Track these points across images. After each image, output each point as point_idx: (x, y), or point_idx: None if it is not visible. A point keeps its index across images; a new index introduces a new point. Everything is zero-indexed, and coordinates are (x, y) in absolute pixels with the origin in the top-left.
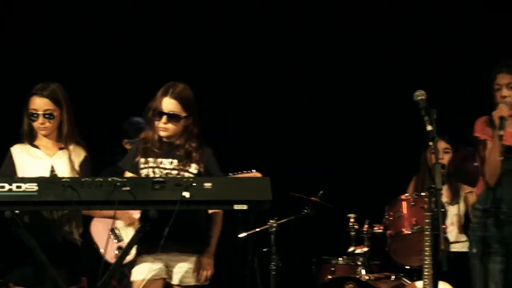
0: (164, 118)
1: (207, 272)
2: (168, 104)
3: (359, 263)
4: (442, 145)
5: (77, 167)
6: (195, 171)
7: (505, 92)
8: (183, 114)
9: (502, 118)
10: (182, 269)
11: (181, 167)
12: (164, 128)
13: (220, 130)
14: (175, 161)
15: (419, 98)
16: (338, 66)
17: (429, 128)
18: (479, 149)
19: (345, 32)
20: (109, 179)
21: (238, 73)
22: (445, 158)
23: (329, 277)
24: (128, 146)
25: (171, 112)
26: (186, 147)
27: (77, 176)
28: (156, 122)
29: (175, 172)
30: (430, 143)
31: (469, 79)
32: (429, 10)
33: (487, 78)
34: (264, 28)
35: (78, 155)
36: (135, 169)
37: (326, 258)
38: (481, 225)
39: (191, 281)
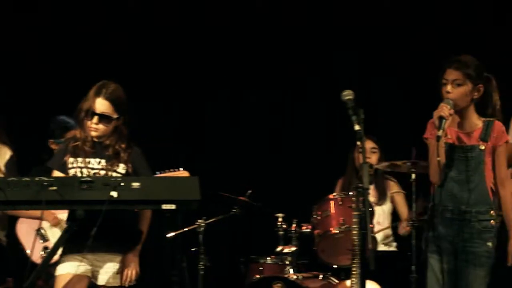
0: (96, 118)
1: (131, 272)
2: (101, 105)
3: (287, 262)
4: (369, 144)
5: (2, 166)
6: (123, 171)
7: (449, 87)
8: (115, 116)
9: (441, 118)
10: (108, 269)
11: (109, 167)
12: (95, 128)
13: (149, 129)
14: (103, 161)
15: (347, 98)
16: (253, 65)
17: (356, 127)
18: (429, 150)
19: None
20: (36, 179)
21: (168, 72)
22: (373, 158)
23: (257, 276)
24: (54, 146)
25: (103, 113)
26: (115, 148)
27: (2, 176)
28: (88, 122)
29: (103, 172)
30: (358, 143)
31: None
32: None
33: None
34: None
35: (4, 154)
36: (64, 168)
37: (254, 258)
38: (431, 223)
39: (117, 282)
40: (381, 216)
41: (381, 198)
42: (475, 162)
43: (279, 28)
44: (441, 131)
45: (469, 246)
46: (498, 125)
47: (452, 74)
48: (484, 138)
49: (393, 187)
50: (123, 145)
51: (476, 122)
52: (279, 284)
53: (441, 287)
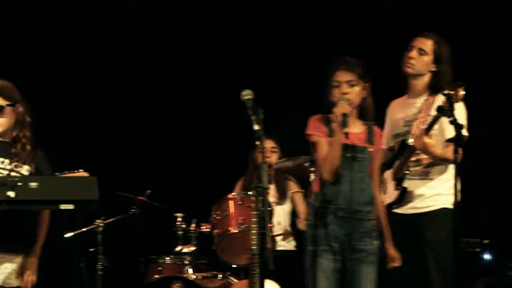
0: None
1: (32, 276)
2: None
3: (186, 262)
4: (269, 144)
5: None
6: (26, 173)
7: (346, 89)
8: (6, 103)
9: (344, 115)
10: (5, 270)
11: (13, 167)
12: None
13: (50, 128)
14: (7, 161)
15: (247, 97)
16: (152, 66)
17: (256, 127)
18: (315, 147)
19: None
20: None
21: (70, 71)
22: (273, 158)
23: (156, 276)
24: None
25: None
26: (22, 140)
27: None
28: None
29: (5, 172)
30: (257, 143)
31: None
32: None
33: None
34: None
35: None
36: None
37: (154, 258)
38: (319, 222)
39: (15, 282)
40: (281, 215)
41: (281, 198)
42: (366, 163)
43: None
44: (346, 128)
45: (360, 244)
46: (378, 130)
47: (345, 76)
48: (370, 140)
49: (293, 187)
50: (27, 134)
51: (360, 124)
52: (178, 284)
53: (331, 286)
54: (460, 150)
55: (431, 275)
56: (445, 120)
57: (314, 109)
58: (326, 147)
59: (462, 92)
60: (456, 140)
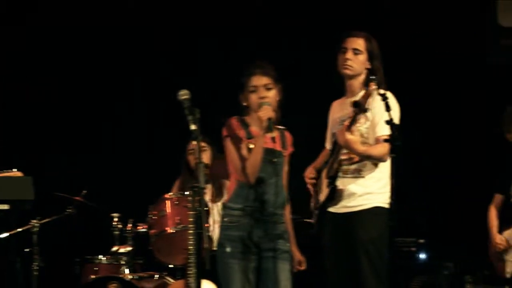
0: None
1: None
2: None
3: (123, 262)
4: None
5: None
6: None
7: (263, 93)
8: None
9: (270, 119)
10: None
11: None
12: None
13: None
14: None
15: (183, 97)
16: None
17: (192, 127)
18: (232, 149)
19: None
20: None
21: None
22: (204, 157)
23: (93, 277)
24: None
25: None
26: None
27: None
28: None
29: None
30: (194, 142)
31: None
32: None
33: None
34: None
35: None
36: None
37: (90, 258)
38: (236, 224)
39: None
40: (218, 215)
41: (218, 196)
42: (281, 167)
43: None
44: (271, 132)
45: (275, 245)
46: (289, 134)
47: (261, 80)
48: (284, 145)
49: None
50: None
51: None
52: (114, 284)
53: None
54: (388, 148)
55: (364, 274)
56: (376, 118)
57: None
58: (244, 150)
59: (373, 87)
60: (391, 140)
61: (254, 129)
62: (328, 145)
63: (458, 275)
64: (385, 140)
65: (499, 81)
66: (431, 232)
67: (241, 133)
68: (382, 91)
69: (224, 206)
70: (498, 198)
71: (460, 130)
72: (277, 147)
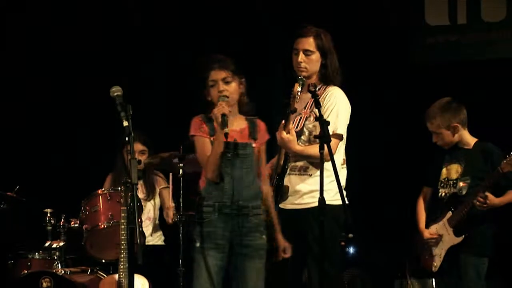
0: None
1: None
2: None
3: (55, 257)
4: (138, 147)
5: None
6: None
7: (222, 86)
8: None
9: (223, 115)
10: None
11: None
12: None
13: None
14: None
15: (116, 94)
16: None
17: (125, 123)
18: (198, 147)
19: None
20: None
21: None
22: (142, 156)
23: (25, 271)
24: None
25: None
26: None
27: None
28: None
29: None
30: (126, 139)
31: None
32: None
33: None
34: None
35: None
36: None
37: (22, 253)
38: (206, 220)
39: None
40: (151, 211)
41: (150, 193)
42: (249, 159)
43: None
44: (227, 128)
45: (248, 240)
46: (262, 123)
47: (220, 74)
48: (253, 136)
49: (161, 183)
50: None
51: (242, 120)
52: (47, 279)
53: (213, 284)
54: (325, 147)
55: (312, 269)
56: (325, 115)
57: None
58: (209, 147)
59: (297, 89)
60: (321, 137)
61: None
62: None
63: (386, 269)
64: (315, 137)
65: (424, 79)
66: (359, 226)
67: (205, 129)
68: (312, 88)
69: (196, 204)
70: (426, 191)
71: (388, 126)
72: (243, 139)
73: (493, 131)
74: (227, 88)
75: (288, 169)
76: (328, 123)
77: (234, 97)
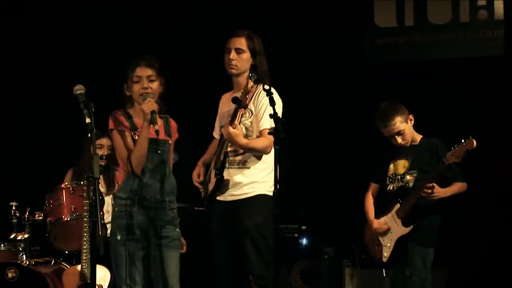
0: None
1: None
2: None
3: (20, 249)
4: (104, 141)
5: None
6: None
7: (146, 84)
8: None
9: (153, 112)
10: None
11: None
12: None
13: None
14: None
15: (78, 92)
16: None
17: (87, 120)
18: (118, 141)
19: None
20: None
21: None
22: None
23: None
24: None
25: None
26: None
27: None
28: None
29: None
30: (89, 135)
31: None
32: None
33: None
34: None
35: None
36: None
37: None
38: (126, 212)
39: None
40: (110, 204)
41: (110, 187)
42: (166, 155)
43: None
44: (156, 125)
45: (164, 231)
46: (173, 122)
47: (145, 71)
48: (168, 133)
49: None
50: None
51: (158, 118)
52: (12, 270)
53: (139, 273)
54: (270, 140)
55: (251, 259)
56: (260, 112)
57: None
58: (130, 142)
59: (250, 84)
60: (275, 133)
61: (138, 120)
62: (216, 135)
63: (338, 259)
64: (269, 133)
65: (375, 79)
66: (312, 219)
67: (126, 124)
68: (267, 87)
69: (114, 196)
70: (374, 187)
71: (340, 125)
72: (161, 136)
73: (439, 128)
74: (151, 85)
75: (228, 164)
76: (281, 119)
77: (156, 96)
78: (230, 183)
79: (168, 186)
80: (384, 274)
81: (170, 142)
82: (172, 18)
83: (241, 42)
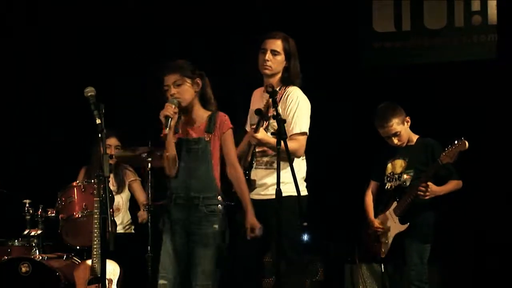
0: None
1: None
2: None
3: (34, 244)
4: (114, 142)
5: None
6: None
7: (173, 90)
8: None
9: (167, 117)
10: None
11: None
12: None
13: None
14: None
15: (89, 94)
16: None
17: (98, 121)
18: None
19: None
20: None
21: None
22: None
23: (5, 257)
24: None
25: None
26: None
27: None
28: None
29: None
30: (99, 135)
31: None
32: None
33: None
34: None
35: None
36: None
37: (3, 240)
38: (167, 208)
39: None
40: (120, 203)
41: (120, 186)
42: (200, 152)
43: None
44: (167, 129)
45: (198, 228)
46: (221, 115)
47: (170, 79)
48: (208, 130)
49: (130, 176)
50: None
51: (203, 115)
52: (25, 265)
53: (172, 264)
54: (302, 143)
55: (275, 256)
56: (289, 117)
57: None
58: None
59: (270, 100)
60: (278, 134)
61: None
62: (248, 129)
63: (338, 255)
64: (272, 134)
65: (372, 82)
66: (313, 216)
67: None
68: (270, 89)
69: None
70: (373, 184)
71: (340, 126)
72: (197, 134)
73: (435, 129)
74: (178, 90)
75: (255, 164)
76: (284, 121)
77: (186, 97)
78: (257, 183)
79: (201, 183)
80: (383, 270)
81: (208, 138)
82: (172, 18)
83: (277, 44)
